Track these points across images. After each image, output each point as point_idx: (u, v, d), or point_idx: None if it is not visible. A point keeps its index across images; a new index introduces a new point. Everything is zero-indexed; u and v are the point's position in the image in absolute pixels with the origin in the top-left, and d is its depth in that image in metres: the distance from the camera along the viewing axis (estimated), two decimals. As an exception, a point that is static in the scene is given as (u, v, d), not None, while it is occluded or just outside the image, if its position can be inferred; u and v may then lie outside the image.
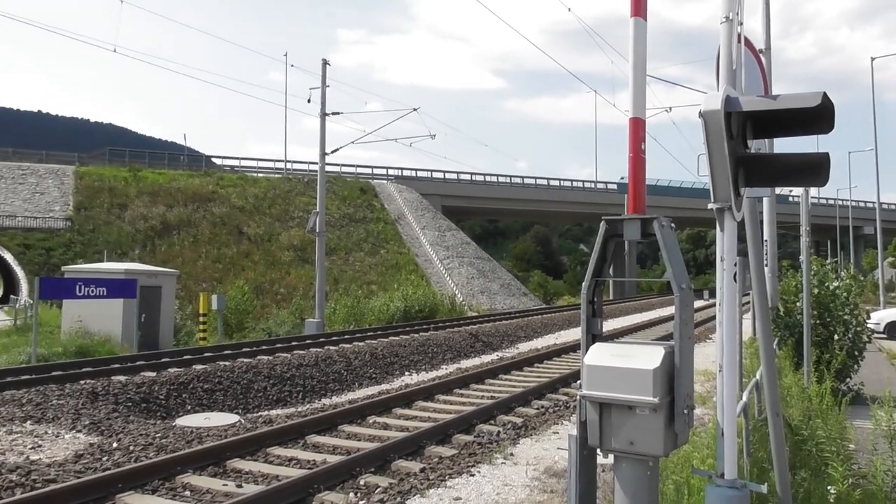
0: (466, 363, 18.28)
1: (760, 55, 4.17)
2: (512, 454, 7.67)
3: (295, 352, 16.32)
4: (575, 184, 66.87)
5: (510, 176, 63.98)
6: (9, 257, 36.15)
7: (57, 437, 8.40)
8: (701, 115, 2.56)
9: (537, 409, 10.60)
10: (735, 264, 2.84)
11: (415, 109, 25.16)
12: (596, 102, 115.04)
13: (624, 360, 3.01)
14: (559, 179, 65.97)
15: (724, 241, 2.87)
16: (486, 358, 19.07)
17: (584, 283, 3.27)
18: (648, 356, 2.98)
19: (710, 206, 2.76)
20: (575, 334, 24.50)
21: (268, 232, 44.15)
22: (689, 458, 4.43)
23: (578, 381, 3.16)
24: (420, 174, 59.36)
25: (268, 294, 38.26)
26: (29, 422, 8.84)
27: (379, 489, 6.35)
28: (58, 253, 36.74)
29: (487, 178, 62.28)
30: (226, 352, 15.73)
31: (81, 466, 7.11)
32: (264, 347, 16.83)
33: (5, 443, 7.88)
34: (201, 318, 20.91)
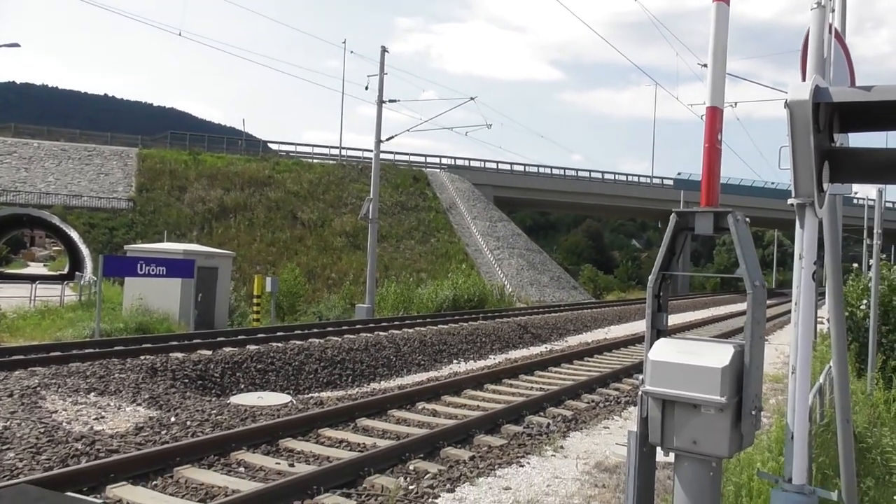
0: (515, 354, 18.22)
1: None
2: (562, 447, 7.61)
3: (345, 336, 16.53)
4: (630, 178, 65.76)
5: (564, 168, 63.28)
6: (75, 235, 37.55)
7: (119, 409, 8.70)
8: (787, 105, 2.45)
9: (588, 402, 10.49)
10: (814, 263, 2.73)
11: (472, 98, 25.07)
12: (656, 96, 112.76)
13: (691, 357, 2.93)
14: (614, 174, 65.03)
15: (803, 239, 2.75)
16: (535, 349, 18.98)
17: (650, 277, 3.19)
18: (717, 354, 2.90)
19: (790, 201, 2.65)
20: (626, 330, 24.17)
21: (321, 217, 44.75)
22: (750, 461, 4.32)
23: (637, 376, 3.10)
24: (473, 164, 59.24)
25: (319, 278, 38.84)
26: (93, 394, 9.18)
27: (428, 475, 6.38)
28: (120, 232, 37.98)
29: (541, 170, 61.73)
30: (278, 333, 16.02)
31: (142, 439, 7.34)
32: (316, 330, 17.08)
33: (71, 413, 8.20)
34: (255, 300, 21.35)
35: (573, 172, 63.35)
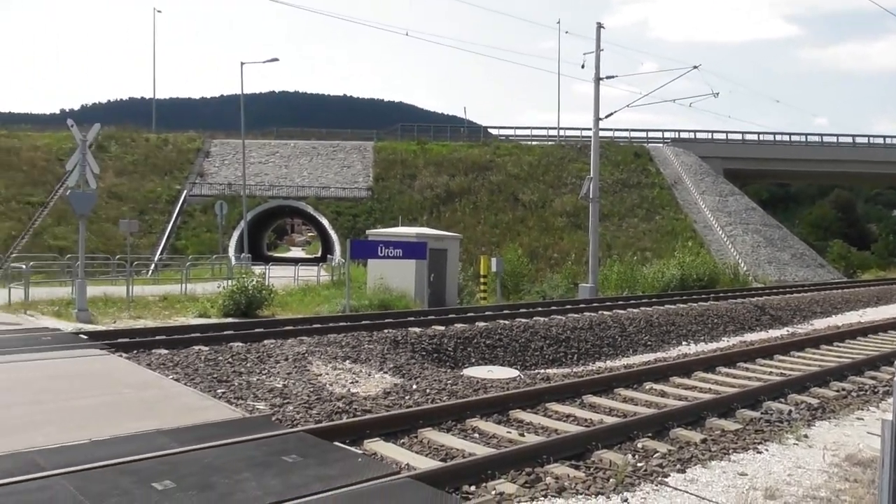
0: (751, 337, 17.18)
1: None
2: (806, 436, 7.15)
3: (569, 315, 16.73)
4: (888, 141, 57.74)
5: (805, 134, 57.43)
6: (325, 223, 42.10)
7: (369, 375, 9.77)
8: None
9: (837, 391, 9.65)
10: None
11: (695, 67, 23.76)
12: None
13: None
14: (867, 136, 57.56)
15: None
16: (774, 333, 17.70)
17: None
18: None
19: None
20: (886, 312, 21.58)
21: (541, 198, 45.23)
22: None
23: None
24: (699, 136, 55.97)
25: (541, 258, 39.39)
26: (347, 361, 10.39)
27: (657, 454, 6.39)
28: (361, 219, 41.73)
29: (778, 138, 56.60)
30: (505, 311, 16.66)
31: (389, 402, 8.21)
32: (540, 309, 17.49)
33: (332, 376, 9.39)
34: (482, 280, 22.33)
35: (816, 138, 57.17)
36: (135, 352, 10.23)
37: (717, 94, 24.15)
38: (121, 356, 9.69)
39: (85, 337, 11.05)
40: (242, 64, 36.31)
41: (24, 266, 16.13)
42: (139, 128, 50.40)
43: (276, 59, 36.02)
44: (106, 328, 12.62)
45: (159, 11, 55.77)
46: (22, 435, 5.66)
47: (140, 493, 4.41)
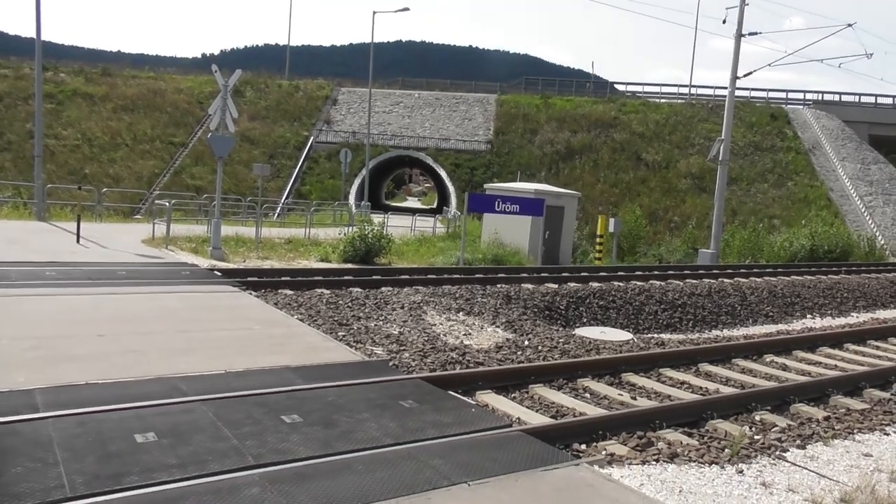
0: (884, 314, 16.09)
1: None
2: (941, 423, 6.70)
3: (687, 280, 16.23)
4: None
5: (975, 98, 51.49)
6: (444, 174, 42.56)
7: (481, 328, 9.98)
8: None
9: (983, 380, 8.90)
10: None
11: (849, 25, 21.82)
12: None
13: None
14: None
15: None
16: (914, 312, 16.43)
17: None
18: None
19: None
20: None
21: (666, 158, 43.52)
22: None
23: None
24: (844, 98, 51.61)
25: (661, 221, 38.15)
26: (461, 313, 10.63)
27: (776, 428, 6.20)
28: (479, 172, 41.82)
29: (938, 100, 51.14)
30: (619, 273, 16.38)
31: (501, 356, 8.37)
32: (656, 273, 17.07)
33: (445, 327, 9.66)
34: (598, 240, 21.97)
35: None
36: (263, 291, 10.91)
37: (871, 54, 22.12)
38: (251, 294, 10.39)
39: (219, 274, 11.90)
40: (374, 13, 36.83)
41: (167, 203, 17.41)
42: (273, 74, 52.46)
43: (406, 9, 36.19)
44: (237, 266, 13.51)
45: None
46: (168, 361, 6.26)
47: (271, 424, 4.80)
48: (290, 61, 55.15)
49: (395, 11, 36.52)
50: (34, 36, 19.45)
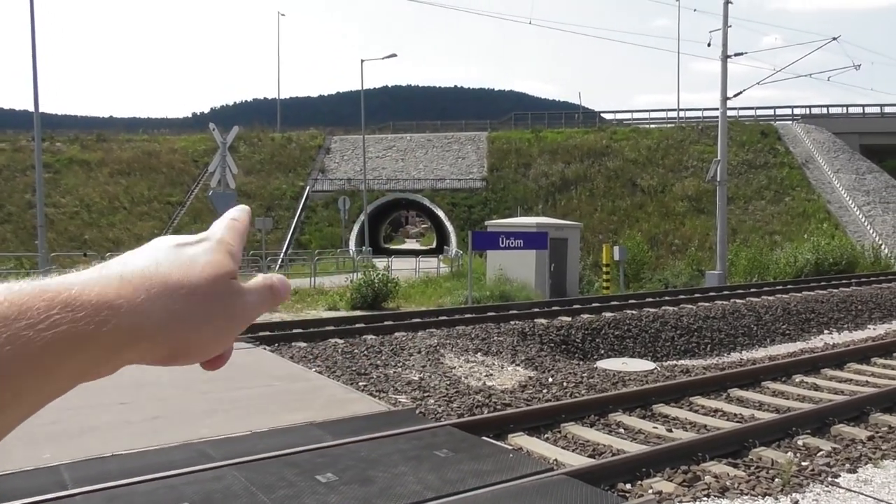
0: (903, 325, 15.89)
1: None
2: None
3: (699, 304, 16.08)
4: None
5: (957, 102, 52.10)
6: (441, 214, 42.64)
7: (502, 368, 9.80)
8: None
9: None
10: None
11: (834, 38, 22.10)
12: None
13: None
14: None
15: None
16: (931, 321, 16.26)
17: None
18: None
19: None
20: None
21: (661, 183, 43.67)
22: None
23: None
24: (832, 111, 52.18)
25: (662, 245, 38.10)
26: (479, 354, 10.46)
27: (821, 452, 6.00)
28: (476, 209, 41.90)
29: (927, 107, 51.68)
30: (631, 301, 16.22)
31: (527, 395, 8.18)
32: (667, 298, 16.92)
33: (465, 369, 9.49)
34: (605, 268, 21.86)
35: (975, 106, 51.73)
36: (276, 345, 10.74)
37: (859, 66, 22.34)
38: (265, 349, 10.22)
39: (231, 330, 11.72)
40: (363, 61, 37.31)
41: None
42: (265, 127, 52.94)
43: (394, 55, 36.68)
44: (248, 321, 13.33)
45: (283, 15, 58.32)
46: (192, 424, 6.08)
47: (306, 486, 4.61)
48: (281, 113, 55.72)
49: (384, 58, 37.04)
50: (29, 108, 19.67)
